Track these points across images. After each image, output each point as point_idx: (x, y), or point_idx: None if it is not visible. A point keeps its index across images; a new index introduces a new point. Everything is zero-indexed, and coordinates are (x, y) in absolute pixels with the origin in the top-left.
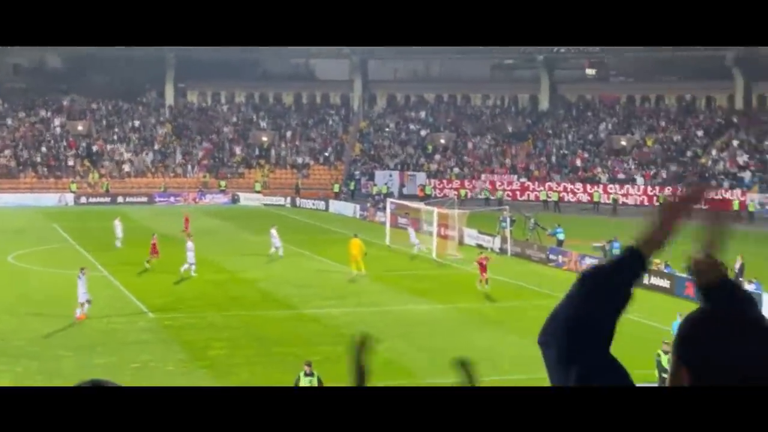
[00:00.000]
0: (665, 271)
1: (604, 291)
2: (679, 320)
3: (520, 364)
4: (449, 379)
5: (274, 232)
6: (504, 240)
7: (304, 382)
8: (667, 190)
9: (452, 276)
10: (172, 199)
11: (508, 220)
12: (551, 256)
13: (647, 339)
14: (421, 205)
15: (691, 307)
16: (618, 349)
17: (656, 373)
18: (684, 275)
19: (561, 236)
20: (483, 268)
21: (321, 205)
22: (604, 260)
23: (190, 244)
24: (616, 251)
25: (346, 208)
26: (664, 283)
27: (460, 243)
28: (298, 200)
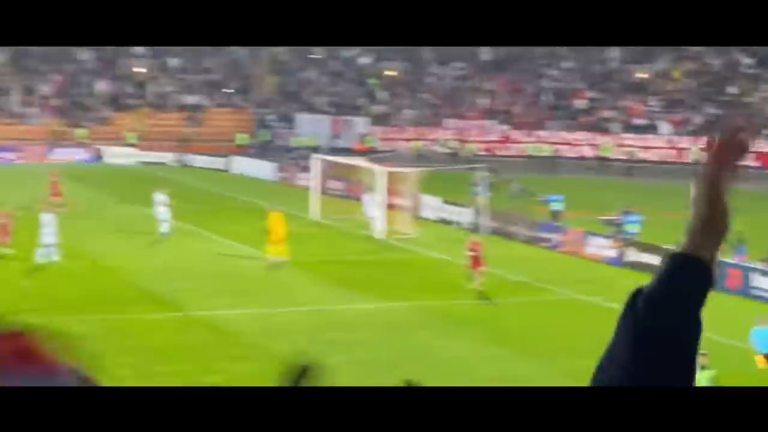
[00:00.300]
0: None
1: (667, 331)
2: (760, 327)
3: (499, 383)
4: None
5: (159, 198)
6: (478, 211)
7: None
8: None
9: (403, 262)
10: (8, 155)
11: (485, 183)
12: (543, 234)
13: None
14: (361, 162)
15: (730, 302)
16: None
17: None
18: (725, 260)
19: (557, 206)
20: (476, 259)
21: (221, 162)
22: (649, 284)
23: (47, 217)
24: (633, 227)
25: (257, 168)
26: None
27: (415, 215)
28: (187, 156)
